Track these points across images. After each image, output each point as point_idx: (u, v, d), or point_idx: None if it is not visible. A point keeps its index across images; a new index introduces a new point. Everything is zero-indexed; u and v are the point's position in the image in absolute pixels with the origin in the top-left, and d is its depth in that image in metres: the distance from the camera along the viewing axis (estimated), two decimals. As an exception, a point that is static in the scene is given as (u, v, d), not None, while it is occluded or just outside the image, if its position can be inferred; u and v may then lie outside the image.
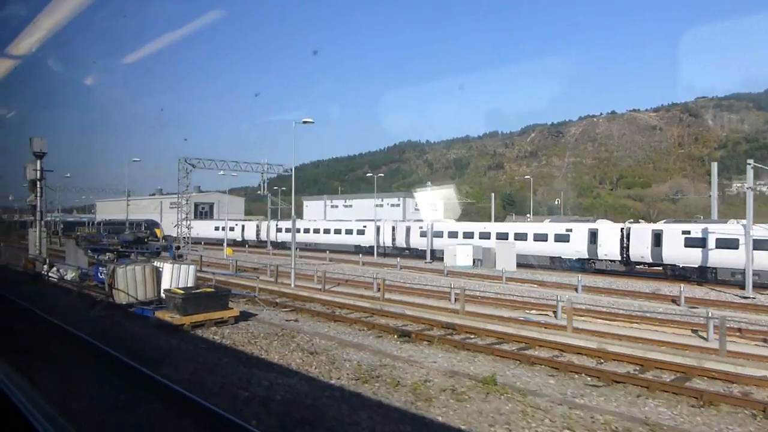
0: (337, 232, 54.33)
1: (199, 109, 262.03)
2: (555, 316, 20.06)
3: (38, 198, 26.11)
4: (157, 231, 66.95)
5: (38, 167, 25.85)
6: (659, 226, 34.41)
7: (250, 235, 61.87)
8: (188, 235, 38.47)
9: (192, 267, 17.02)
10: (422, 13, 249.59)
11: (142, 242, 20.16)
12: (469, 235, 42.71)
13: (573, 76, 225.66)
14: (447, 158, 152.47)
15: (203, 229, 63.45)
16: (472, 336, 13.90)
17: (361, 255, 44.45)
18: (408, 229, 48.37)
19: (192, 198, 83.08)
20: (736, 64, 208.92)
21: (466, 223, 49.39)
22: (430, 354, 11.65)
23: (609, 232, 35.75)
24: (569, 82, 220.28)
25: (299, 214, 79.75)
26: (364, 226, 51.94)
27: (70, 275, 24.05)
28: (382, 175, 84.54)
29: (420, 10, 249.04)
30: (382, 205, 63.19)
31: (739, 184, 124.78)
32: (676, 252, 32.17)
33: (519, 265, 36.22)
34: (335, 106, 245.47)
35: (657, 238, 33.04)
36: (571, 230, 37.38)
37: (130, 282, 15.84)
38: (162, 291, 16.45)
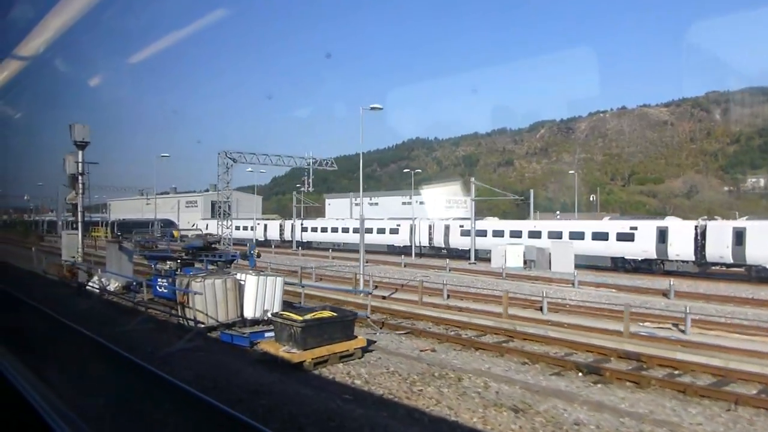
0: (368, 231, 51.05)
1: (204, 107, 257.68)
2: (683, 331, 16.93)
3: (80, 195, 22.45)
4: (175, 232, 63.26)
5: (80, 159, 22.20)
6: (741, 223, 31.49)
7: (273, 234, 58.48)
8: (230, 236, 35.32)
9: (279, 279, 13.62)
10: (427, 11, 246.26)
11: (212, 249, 16.47)
12: (516, 234, 39.55)
13: (581, 72, 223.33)
14: (456, 155, 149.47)
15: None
16: (677, 371, 10.67)
17: (403, 256, 41.23)
18: (447, 228, 44.86)
19: (208, 196, 78.92)
20: (747, 57, 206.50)
21: (512, 221, 46.11)
22: (675, 408, 8.40)
23: (681, 231, 32.68)
24: (578, 78, 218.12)
25: (321, 213, 76.11)
26: (398, 225, 48.58)
27: (113, 286, 20.70)
28: (420, 171, 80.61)
29: (425, 7, 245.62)
30: (410, 203, 60.03)
31: (754, 179, 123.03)
32: (763, 251, 29.21)
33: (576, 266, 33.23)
34: (341, 104, 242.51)
35: (739, 237, 30.05)
36: (636, 228, 34.23)
37: (209, 299, 12.50)
38: (244, 310, 13.10)
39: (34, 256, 28.82)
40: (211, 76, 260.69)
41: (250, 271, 14.21)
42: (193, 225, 64.12)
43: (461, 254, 41.55)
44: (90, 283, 19.76)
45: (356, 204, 63.70)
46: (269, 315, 12.25)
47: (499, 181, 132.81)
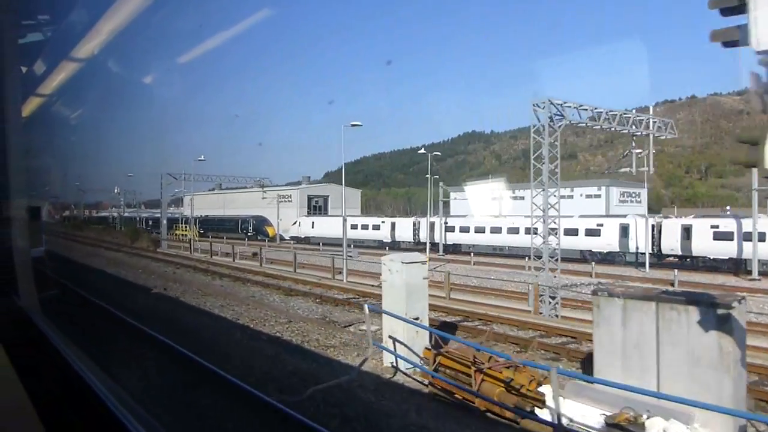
0: (552, 232, 38.88)
1: (245, 105, 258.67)
2: None
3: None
4: (269, 230, 56.23)
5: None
6: None
7: (404, 234, 47.13)
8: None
9: None
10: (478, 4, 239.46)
11: None
12: None
13: (642, 62, 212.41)
14: (515, 148, 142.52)
15: (329, 226, 49.46)
16: None
17: (649, 269, 30.33)
18: (687, 229, 33.35)
19: (304, 190, 69.27)
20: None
21: None
22: None
23: None
24: (638, 68, 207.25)
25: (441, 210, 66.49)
26: (600, 225, 36.92)
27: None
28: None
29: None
30: (572, 197, 50.58)
31: None
32: None
33: None
34: (393, 98, 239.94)
35: None
36: None
37: None
38: None
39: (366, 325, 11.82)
40: (255, 75, 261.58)
41: None
42: (295, 222, 55.75)
43: (711, 264, 31.81)
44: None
45: (495, 198, 48.01)
46: None
47: (564, 175, 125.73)
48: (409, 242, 46.03)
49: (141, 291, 21.18)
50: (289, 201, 59.93)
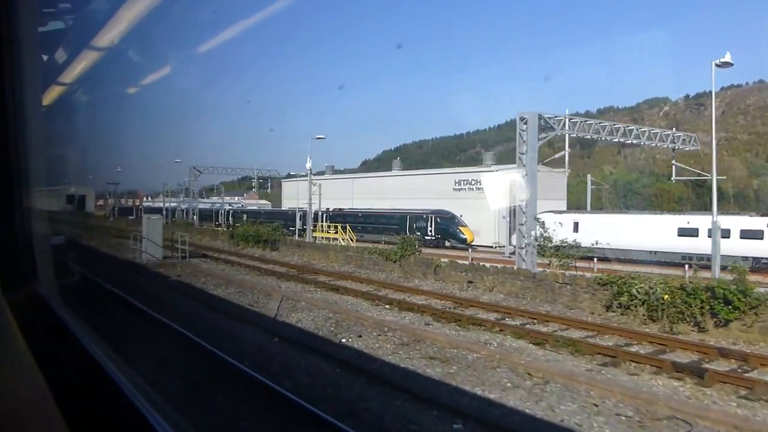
0: None
1: (264, 92, 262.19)
2: None
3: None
4: (466, 232, 36.86)
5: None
6: None
7: None
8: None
9: None
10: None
11: None
12: None
13: (703, 44, 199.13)
14: (568, 135, 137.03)
15: (615, 230, 28.96)
16: None
17: None
18: None
19: (507, 172, 38.64)
20: None
21: None
22: None
23: None
24: (697, 50, 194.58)
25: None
26: None
27: None
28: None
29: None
30: None
31: None
32: None
33: None
34: (437, 83, 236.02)
35: None
36: None
37: None
38: None
39: None
40: (272, 65, 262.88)
41: None
42: (555, 225, 27.66)
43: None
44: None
45: None
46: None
47: (630, 165, 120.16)
48: None
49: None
50: (473, 188, 41.70)
